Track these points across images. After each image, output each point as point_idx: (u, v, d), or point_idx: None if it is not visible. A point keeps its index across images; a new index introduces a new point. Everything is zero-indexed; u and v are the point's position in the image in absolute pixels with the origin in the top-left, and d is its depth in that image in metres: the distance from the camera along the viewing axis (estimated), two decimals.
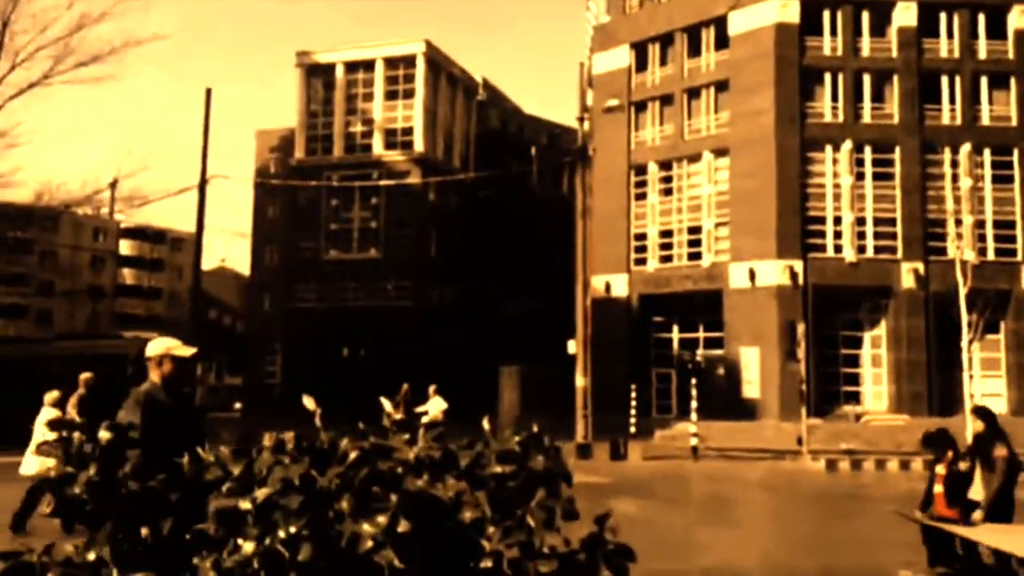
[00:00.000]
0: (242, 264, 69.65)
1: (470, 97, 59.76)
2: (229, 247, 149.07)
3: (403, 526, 1.80)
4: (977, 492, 7.93)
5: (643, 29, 42.62)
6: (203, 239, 27.08)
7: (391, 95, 54.13)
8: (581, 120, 25.31)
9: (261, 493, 1.78)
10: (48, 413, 10.82)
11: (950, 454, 8.37)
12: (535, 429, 2.43)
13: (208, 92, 25.74)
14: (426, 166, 52.06)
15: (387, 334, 35.73)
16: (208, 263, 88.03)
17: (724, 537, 11.49)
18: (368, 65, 54.50)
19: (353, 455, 1.94)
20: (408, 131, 53.49)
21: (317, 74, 55.48)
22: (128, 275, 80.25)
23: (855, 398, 36.77)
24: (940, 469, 8.25)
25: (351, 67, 54.82)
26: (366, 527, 1.77)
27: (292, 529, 1.76)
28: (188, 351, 4.83)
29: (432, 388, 19.36)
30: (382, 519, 1.80)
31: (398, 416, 2.17)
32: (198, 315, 27.97)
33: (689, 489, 19.04)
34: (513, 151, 58.08)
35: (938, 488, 8.34)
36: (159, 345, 4.80)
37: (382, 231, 52.58)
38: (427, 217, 52.67)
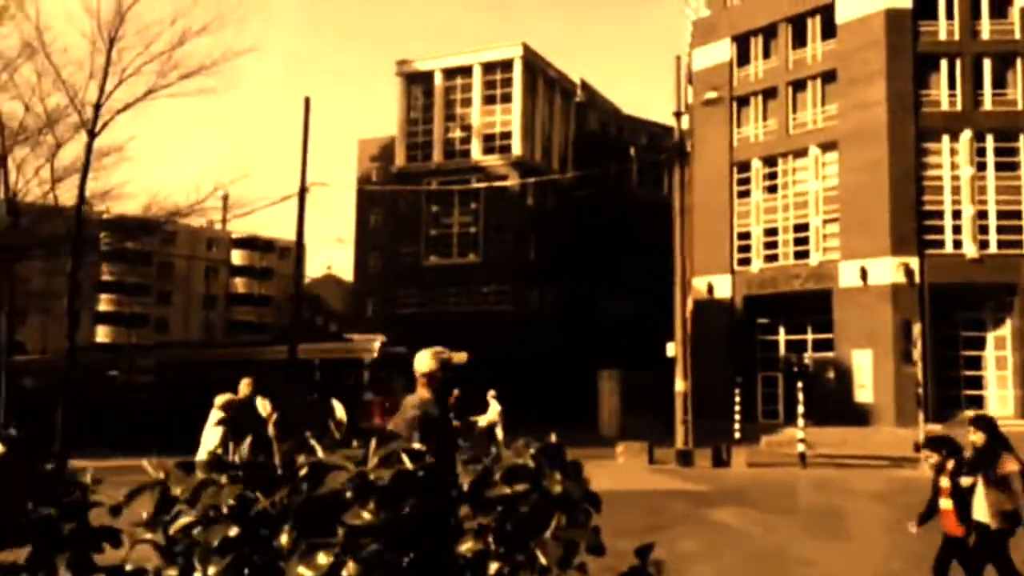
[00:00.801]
0: (346, 271, 71.20)
1: (568, 99, 59.38)
2: (335, 255, 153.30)
3: (350, 570, 1.42)
4: (980, 510, 7.17)
5: (745, 21, 41.35)
6: (304, 246, 27.55)
7: (489, 100, 54.30)
8: (678, 115, 24.57)
9: (178, 524, 1.44)
10: (215, 416, 9.76)
11: (950, 464, 7.58)
12: (552, 439, 2.04)
13: (307, 100, 26.16)
14: (524, 169, 51.95)
15: (486, 338, 35.84)
16: (314, 271, 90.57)
17: (829, 552, 10.73)
18: (466, 71, 54.82)
19: (303, 472, 1.57)
20: (506, 135, 53.50)
21: (416, 82, 56.16)
22: (239, 283, 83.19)
23: (978, 402, 34.53)
24: (944, 481, 7.52)
25: (449, 73, 55.26)
26: (301, 570, 1.40)
27: (212, 571, 1.41)
28: (462, 356, 4.87)
29: (491, 394, 19.19)
30: (323, 559, 1.42)
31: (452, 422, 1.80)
32: (299, 321, 28.46)
33: (794, 499, 18.10)
34: (612, 152, 57.44)
35: (945, 503, 7.53)
36: (431, 359, 4.66)
37: (481, 236, 52.74)
38: (525, 221, 52.54)
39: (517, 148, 52.83)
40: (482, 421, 20.12)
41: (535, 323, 49.80)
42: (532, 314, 50.54)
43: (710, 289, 39.85)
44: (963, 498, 7.39)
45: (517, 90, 53.38)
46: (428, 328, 50.56)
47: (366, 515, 1.60)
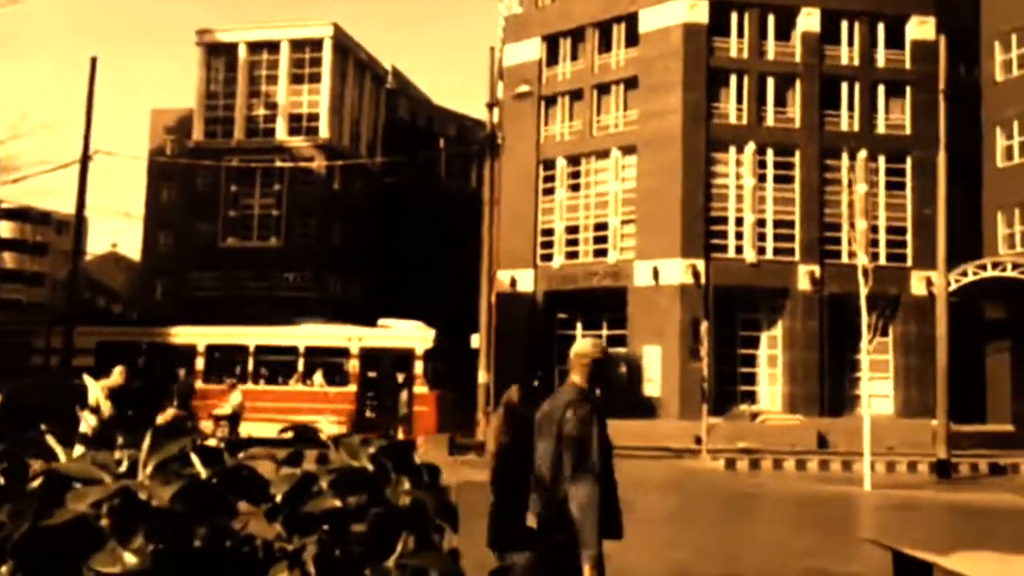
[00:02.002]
0: (134, 250, 66.51)
1: (378, 85, 58.47)
2: (122, 232, 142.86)
3: None
4: None
5: (555, 22, 42.34)
6: (85, 220, 25.39)
7: (296, 79, 52.45)
8: (490, 106, 24.70)
9: None
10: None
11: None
12: (400, 437, 1.65)
13: (93, 61, 24.09)
14: (331, 153, 50.63)
15: (285, 325, 34.71)
16: (98, 247, 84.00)
17: (619, 542, 11.06)
18: (273, 47, 52.65)
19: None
20: (313, 117, 51.91)
21: (219, 53, 53.30)
22: (8, 259, 75.71)
23: (751, 397, 37.33)
24: None
25: (255, 47, 52.86)
26: None
27: None
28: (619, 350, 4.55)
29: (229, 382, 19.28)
30: None
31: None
32: (77, 302, 26.22)
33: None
34: (421, 141, 57.10)
35: None
36: (593, 346, 4.50)
37: (283, 219, 50.90)
38: (331, 206, 51.23)
39: (324, 130, 51.39)
40: (226, 409, 19.58)
41: (339, 310, 48.67)
42: (334, 301, 49.37)
43: (513, 283, 40.54)
44: None
45: (326, 71, 51.91)
46: (224, 313, 48.20)
47: (129, 558, 1.14)
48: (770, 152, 38.24)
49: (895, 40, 39.26)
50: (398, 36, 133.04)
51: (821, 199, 37.60)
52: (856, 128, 38.57)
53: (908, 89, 38.71)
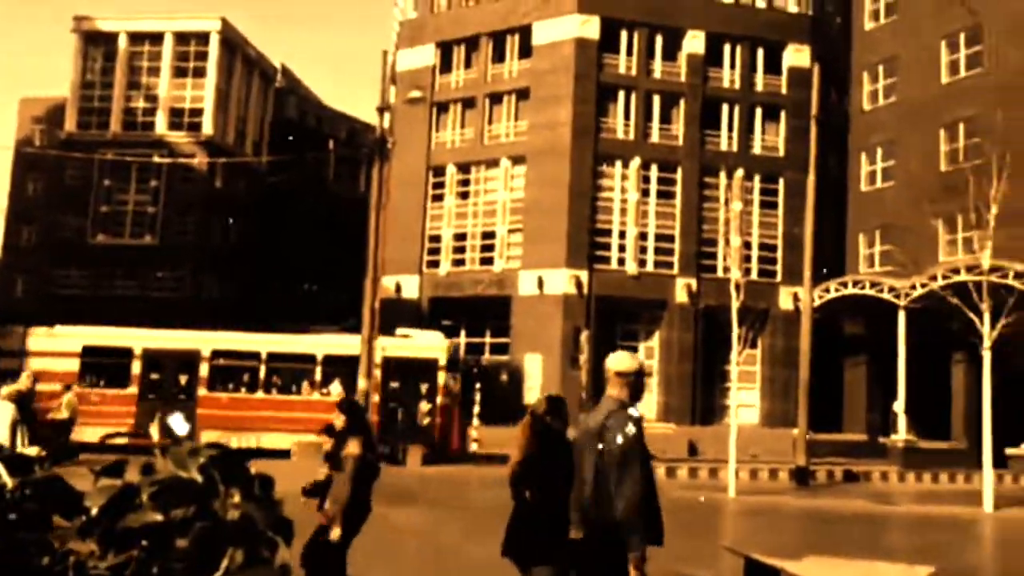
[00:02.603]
0: None
1: (267, 83, 57.18)
2: None
3: None
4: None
5: (449, 30, 42.42)
6: None
7: (180, 72, 50.74)
8: (381, 111, 24.55)
9: None
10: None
11: (327, 443, 6.97)
12: (228, 441, 1.58)
13: None
14: (214, 150, 49.17)
15: (157, 327, 33.31)
16: None
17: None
18: (156, 38, 50.79)
19: None
20: (196, 112, 50.29)
21: (97, 43, 51.04)
22: None
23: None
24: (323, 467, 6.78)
25: (136, 38, 50.88)
26: None
27: None
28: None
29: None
30: None
31: None
32: None
33: (466, 496, 18.74)
34: (310, 142, 56.17)
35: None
36: (632, 360, 4.58)
37: (160, 216, 49.08)
38: (212, 204, 49.70)
39: (208, 127, 49.87)
40: (62, 412, 18.77)
41: (217, 311, 47.25)
42: (213, 302, 47.91)
43: (398, 288, 40.31)
44: (323, 487, 6.83)
45: (212, 66, 50.42)
46: (92, 312, 46.06)
47: None
48: (654, 168, 39.34)
49: (773, 66, 41.08)
50: (290, 35, 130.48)
51: (700, 215, 38.94)
52: (734, 148, 40.12)
53: (783, 113, 40.56)
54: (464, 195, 41.29)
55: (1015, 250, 25.48)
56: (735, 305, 19.94)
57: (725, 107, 40.39)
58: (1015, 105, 28.68)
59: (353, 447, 6.49)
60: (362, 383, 22.30)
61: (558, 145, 38.25)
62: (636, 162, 38.87)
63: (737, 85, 40.56)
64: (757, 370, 38.71)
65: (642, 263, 38.49)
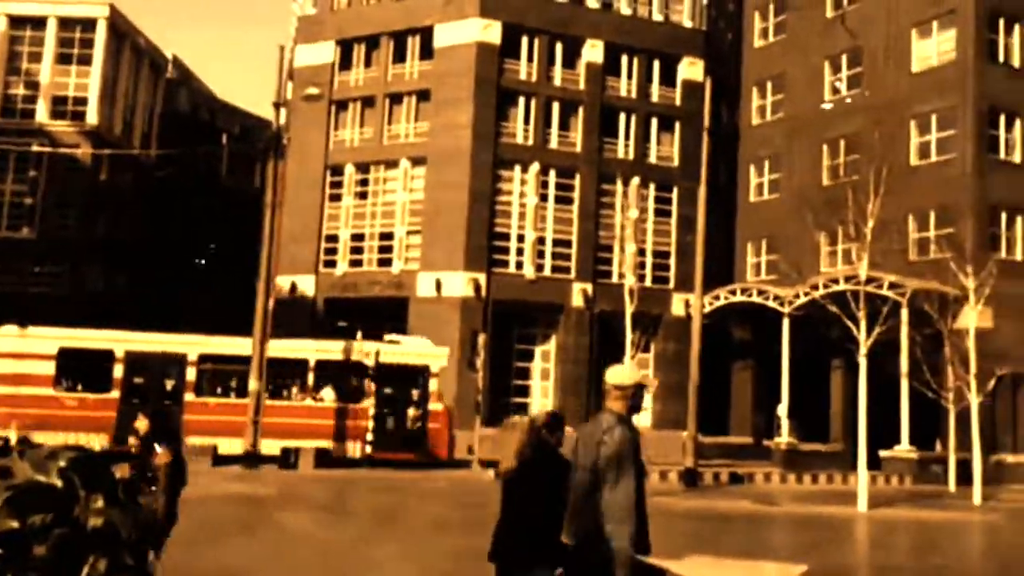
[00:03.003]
0: None
1: (158, 73, 55.18)
2: None
3: None
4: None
5: (350, 27, 41.92)
6: None
7: (63, 59, 48.41)
8: (277, 106, 24.03)
9: None
10: None
11: (136, 446, 6.69)
12: (100, 447, 1.49)
13: None
14: (99, 141, 47.12)
15: (34, 324, 31.70)
16: None
17: (391, 553, 11.13)
18: (38, 23, 48.32)
19: None
20: (81, 101, 48.07)
21: None
22: None
23: (524, 409, 38.56)
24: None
25: (17, 22, 48.29)
26: None
27: None
28: (654, 381, 4.37)
29: None
30: None
31: None
32: None
33: (361, 500, 18.56)
34: (203, 136, 54.57)
35: None
36: (634, 373, 4.72)
37: (39, 208, 46.71)
38: (96, 197, 47.61)
39: (93, 116, 47.74)
40: None
41: (100, 308, 45.27)
42: (96, 297, 45.87)
43: (293, 288, 39.59)
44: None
45: (99, 54, 48.29)
46: None
47: None
48: (553, 173, 39.83)
49: (668, 78, 42.21)
50: (183, 26, 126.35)
51: (597, 221, 39.65)
52: (631, 156, 41.04)
53: (677, 124, 41.72)
54: (363, 195, 40.86)
55: (890, 262, 26.92)
56: (629, 310, 20.39)
57: (622, 116, 41.26)
58: (890, 124, 30.33)
59: (163, 456, 6.29)
60: (253, 384, 21.79)
61: (458, 148, 38.30)
62: (535, 167, 39.28)
63: (634, 95, 41.50)
64: (650, 374, 39.63)
65: (540, 267, 38.91)
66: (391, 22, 40.94)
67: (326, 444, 23.12)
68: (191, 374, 23.19)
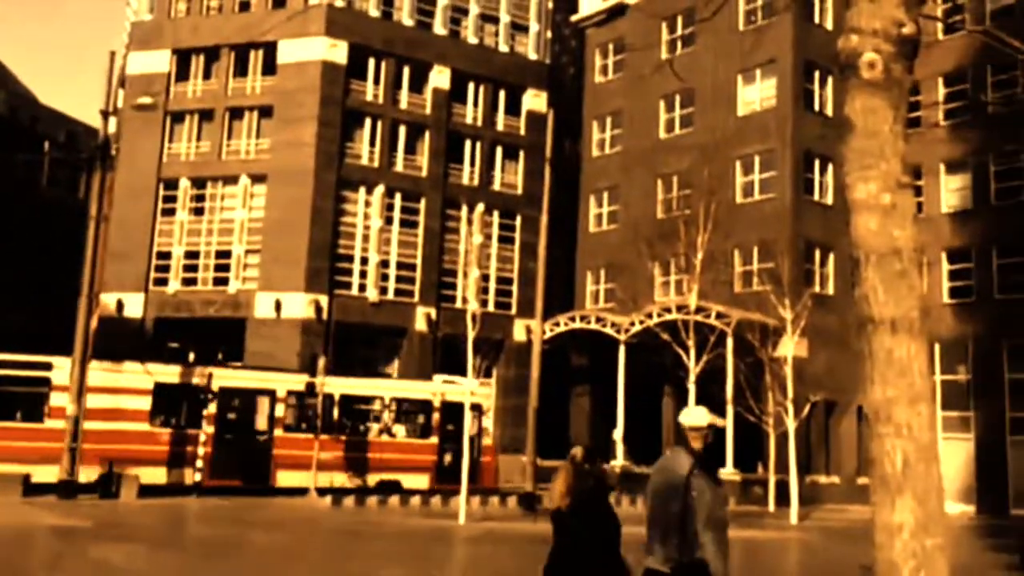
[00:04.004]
0: None
1: None
2: None
3: None
4: None
5: (187, 37, 40.37)
6: None
7: None
8: (105, 114, 22.73)
9: None
10: None
11: None
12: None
13: None
14: None
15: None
16: None
17: None
18: None
19: None
20: None
21: None
22: None
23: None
24: None
25: None
26: None
27: None
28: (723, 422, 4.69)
29: None
30: None
31: None
32: None
33: (184, 531, 17.69)
34: (21, 142, 50.92)
35: None
36: (704, 417, 5.00)
37: None
38: None
39: None
40: None
41: None
42: None
43: (120, 306, 37.48)
44: None
45: None
46: None
47: None
48: (398, 196, 39.73)
49: (514, 108, 43.14)
50: (4, 25, 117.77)
51: (441, 245, 39.82)
52: (476, 182, 41.56)
53: (521, 153, 42.65)
54: (198, 211, 39.27)
55: (717, 293, 28.47)
56: (471, 335, 20.56)
57: (468, 142, 41.77)
58: (719, 161, 32.20)
59: None
60: (71, 408, 20.40)
61: (301, 166, 37.57)
62: (380, 189, 39.07)
63: (480, 123, 42.12)
64: (492, 397, 39.98)
65: (383, 290, 38.62)
66: (231, 34, 39.73)
67: (394, 477, 24.86)
68: (280, 410, 24.45)
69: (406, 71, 40.61)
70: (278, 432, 24.09)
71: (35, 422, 21.38)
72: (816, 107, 35.04)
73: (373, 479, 24.73)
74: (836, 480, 32.64)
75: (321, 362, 25.07)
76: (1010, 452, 30.81)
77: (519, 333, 40.43)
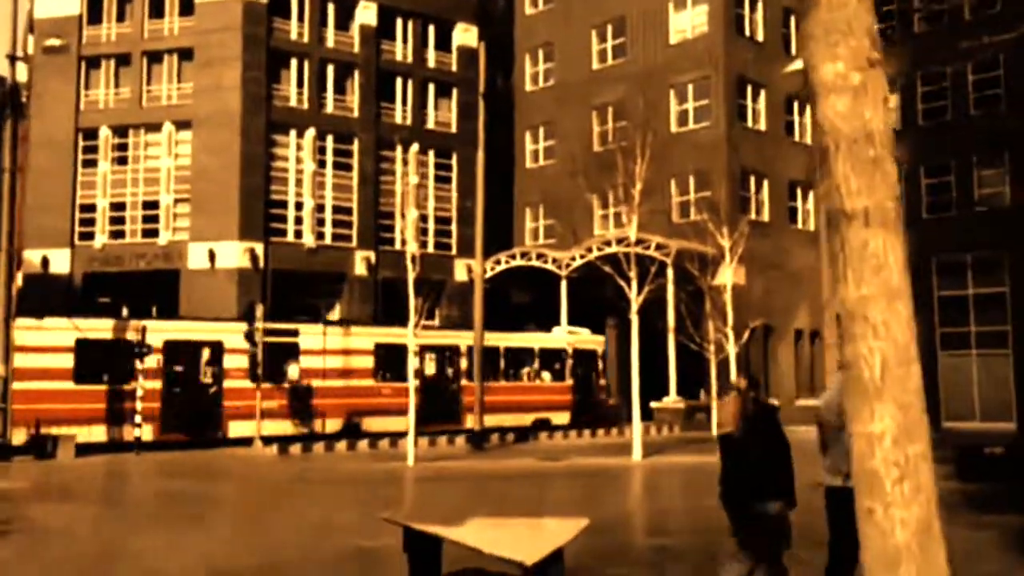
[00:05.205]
0: None
1: None
2: None
3: None
4: None
5: None
6: None
7: None
8: (12, 59, 21.50)
9: None
10: None
11: None
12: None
13: None
14: None
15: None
16: None
17: (158, 544, 10.39)
18: None
19: None
20: None
21: None
22: None
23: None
24: None
25: None
26: None
27: None
28: None
29: None
30: None
31: None
32: None
33: (129, 487, 17.31)
34: None
35: None
36: None
37: None
38: None
39: None
40: None
41: None
42: None
43: (45, 263, 36.14)
44: None
45: None
46: None
47: None
48: (330, 139, 38.73)
49: (444, 43, 42.11)
50: None
51: (377, 188, 39.08)
52: (409, 122, 40.68)
53: (454, 90, 41.80)
54: (122, 160, 37.78)
55: (656, 223, 28.54)
56: (411, 277, 20.27)
57: (399, 81, 40.77)
58: (653, 91, 32.02)
59: None
60: (0, 369, 19.66)
61: (227, 111, 36.28)
62: (311, 132, 38.03)
63: (410, 59, 41.08)
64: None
65: (320, 236, 37.87)
66: None
67: (545, 415, 28.64)
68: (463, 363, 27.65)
69: (331, 8, 39.25)
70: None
71: None
72: (747, 32, 34.96)
73: (529, 418, 28.08)
74: (776, 402, 33.42)
75: (259, 310, 24.57)
76: (940, 368, 31.90)
77: (460, 273, 40.16)
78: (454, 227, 41.21)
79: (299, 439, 23.11)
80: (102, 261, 36.68)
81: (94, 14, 38.37)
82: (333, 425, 24.48)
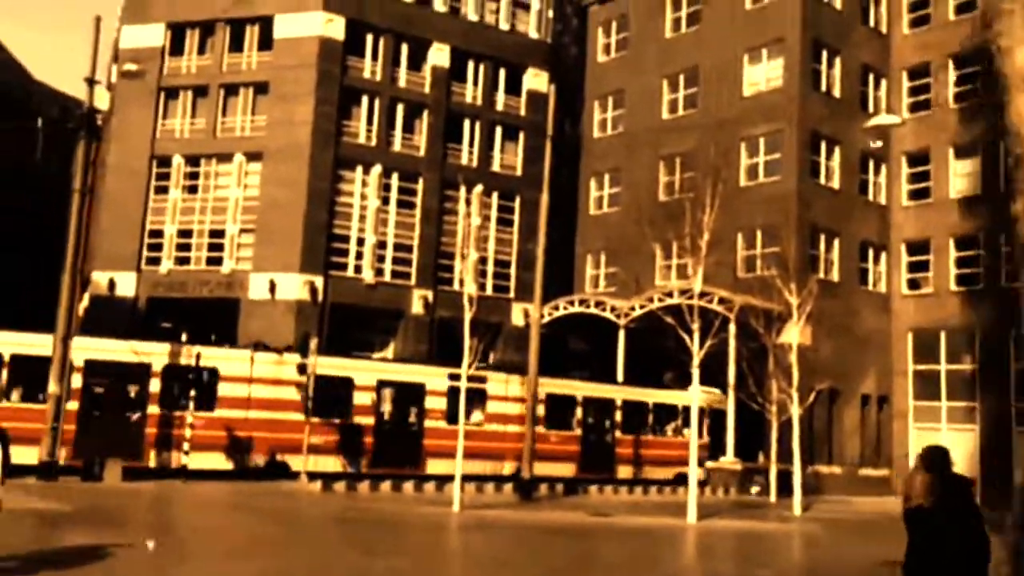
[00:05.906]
0: None
1: None
2: None
3: None
4: None
5: (182, 11, 39.43)
6: None
7: None
8: (91, 82, 21.96)
9: None
10: None
11: None
12: None
13: None
14: None
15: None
16: None
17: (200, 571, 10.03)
18: None
19: None
20: None
21: None
22: None
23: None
24: None
25: None
26: None
27: None
28: None
29: None
30: None
31: None
32: None
33: (171, 516, 17.08)
34: (15, 118, 50.09)
35: None
36: None
37: None
38: None
39: None
40: None
41: None
42: None
43: (112, 285, 36.80)
44: None
45: None
46: None
47: None
48: (395, 176, 38.95)
49: (514, 87, 42.26)
50: None
51: (439, 227, 39.07)
52: (475, 163, 40.73)
53: (521, 133, 41.81)
54: (192, 189, 38.50)
55: (720, 276, 27.81)
56: (468, 318, 19.91)
57: (467, 122, 40.94)
58: (724, 143, 31.45)
59: None
60: (53, 387, 19.76)
61: (297, 145, 36.78)
62: (377, 169, 38.29)
63: (479, 102, 41.28)
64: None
65: (379, 272, 37.92)
66: (227, 8, 38.86)
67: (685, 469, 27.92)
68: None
69: (405, 48, 39.74)
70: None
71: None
72: (823, 88, 34.29)
73: (671, 472, 28.86)
74: (837, 470, 32.07)
75: (312, 343, 24.44)
76: (1015, 443, 30.26)
77: (517, 317, 39.75)
78: (513, 270, 40.91)
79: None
80: (167, 286, 37.20)
81: (176, 46, 39.46)
82: (509, 468, 26.23)
